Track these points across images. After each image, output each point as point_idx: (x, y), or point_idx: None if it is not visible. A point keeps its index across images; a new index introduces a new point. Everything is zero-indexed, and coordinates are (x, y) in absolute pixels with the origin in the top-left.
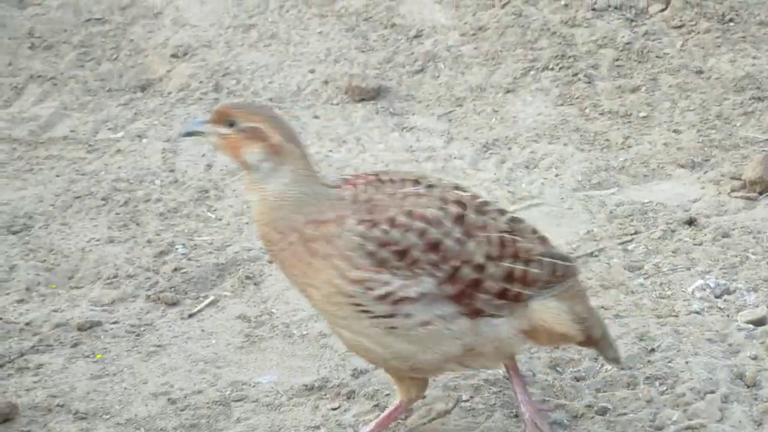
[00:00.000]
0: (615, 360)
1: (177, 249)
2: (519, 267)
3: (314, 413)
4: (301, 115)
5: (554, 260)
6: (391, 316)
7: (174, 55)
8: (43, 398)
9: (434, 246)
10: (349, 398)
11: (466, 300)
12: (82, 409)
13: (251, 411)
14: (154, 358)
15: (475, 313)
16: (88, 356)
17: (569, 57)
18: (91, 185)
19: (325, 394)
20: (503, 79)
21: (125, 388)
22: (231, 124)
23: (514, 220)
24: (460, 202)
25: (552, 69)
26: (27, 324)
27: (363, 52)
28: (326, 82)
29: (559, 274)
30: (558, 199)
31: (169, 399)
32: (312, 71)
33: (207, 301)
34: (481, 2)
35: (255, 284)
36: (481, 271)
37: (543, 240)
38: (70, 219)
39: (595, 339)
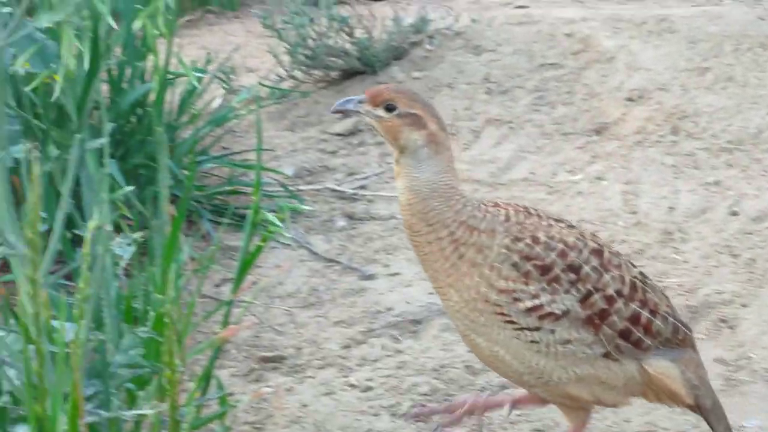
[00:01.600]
0: None
1: None
2: (645, 314)
3: None
4: (763, 158)
5: (677, 322)
6: (536, 329)
7: (629, 99)
8: None
9: (574, 268)
10: None
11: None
12: None
13: None
14: None
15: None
16: None
17: None
18: None
19: None
20: None
21: (609, 426)
22: (390, 109)
23: (644, 275)
24: (597, 242)
25: None
26: None
27: None
28: None
29: (680, 337)
30: None
31: None
32: None
33: None
34: None
35: (730, 328)
36: (610, 304)
37: (669, 300)
38: None
39: (705, 408)
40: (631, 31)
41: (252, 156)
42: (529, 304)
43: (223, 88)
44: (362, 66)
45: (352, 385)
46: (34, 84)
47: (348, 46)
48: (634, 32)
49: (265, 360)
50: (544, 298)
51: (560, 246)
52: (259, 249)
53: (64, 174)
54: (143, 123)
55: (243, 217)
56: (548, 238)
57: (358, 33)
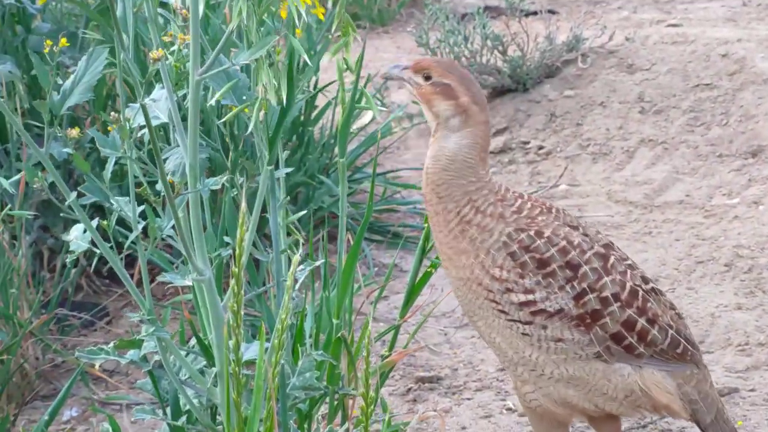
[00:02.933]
0: None
1: None
2: (641, 321)
3: None
4: None
5: (680, 337)
6: (528, 323)
7: None
8: None
9: (572, 266)
10: None
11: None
12: None
13: None
14: None
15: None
16: None
17: None
18: (712, 251)
19: None
20: None
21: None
22: (427, 78)
23: (656, 291)
24: (609, 249)
25: None
26: None
27: None
28: None
29: (679, 351)
30: None
31: None
32: None
33: None
34: None
35: None
36: (604, 305)
37: (678, 317)
38: (695, 284)
39: (704, 423)
40: None
41: (404, 174)
42: (522, 298)
43: (380, 105)
44: (513, 84)
45: (510, 409)
46: (228, 117)
47: (500, 63)
48: None
49: (423, 380)
50: (538, 295)
51: (563, 243)
52: (428, 275)
53: (250, 203)
54: (302, 141)
55: (396, 234)
56: (553, 235)
57: (511, 51)
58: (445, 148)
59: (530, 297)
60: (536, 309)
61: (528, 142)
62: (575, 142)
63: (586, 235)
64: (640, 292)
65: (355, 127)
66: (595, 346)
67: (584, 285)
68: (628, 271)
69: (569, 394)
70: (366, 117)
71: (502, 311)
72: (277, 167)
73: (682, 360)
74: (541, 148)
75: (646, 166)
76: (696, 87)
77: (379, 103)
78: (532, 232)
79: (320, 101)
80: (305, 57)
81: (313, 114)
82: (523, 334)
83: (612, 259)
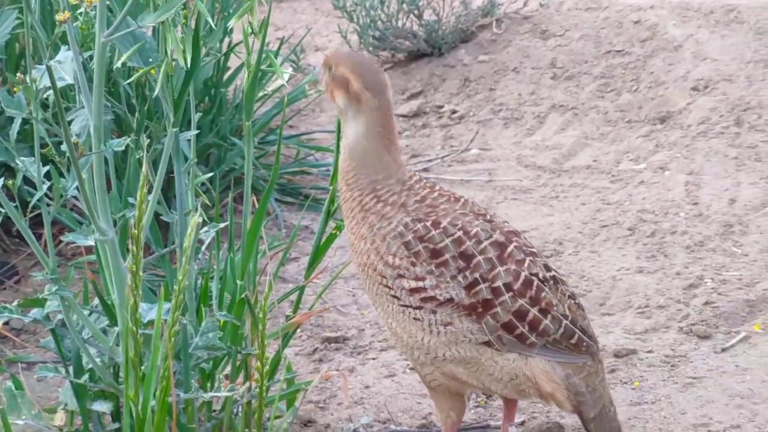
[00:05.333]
0: None
1: (706, 283)
2: (533, 311)
3: None
4: None
5: (575, 328)
6: (418, 308)
7: (694, 89)
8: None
9: (465, 256)
10: None
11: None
12: None
13: None
14: (690, 389)
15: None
16: (626, 383)
17: None
18: (617, 215)
19: None
20: None
21: (665, 417)
22: (330, 70)
23: (556, 280)
24: (509, 238)
25: None
26: None
27: None
28: None
29: (573, 342)
30: None
31: (709, 431)
32: None
33: (739, 337)
34: None
35: None
36: (496, 295)
37: (578, 308)
38: (598, 247)
39: (587, 417)
40: (698, 20)
41: (318, 136)
42: (412, 284)
43: (292, 67)
44: (429, 48)
45: (413, 369)
46: (133, 78)
47: (416, 27)
48: (702, 21)
49: (329, 341)
50: (428, 282)
51: (458, 234)
52: (333, 236)
53: (154, 164)
54: (215, 102)
55: (307, 196)
56: (450, 225)
57: (427, 15)
58: (346, 137)
59: (420, 284)
60: (426, 296)
61: (442, 107)
62: (488, 106)
63: (490, 222)
64: (535, 282)
65: (270, 88)
66: (486, 335)
67: (476, 275)
68: (527, 260)
69: (460, 372)
70: (281, 79)
71: (395, 296)
72: (189, 129)
73: (577, 351)
74: (454, 112)
75: (556, 131)
76: (608, 53)
77: (294, 65)
78: (428, 223)
79: (236, 63)
80: (209, 20)
81: (226, 76)
82: (414, 318)
83: (510, 248)
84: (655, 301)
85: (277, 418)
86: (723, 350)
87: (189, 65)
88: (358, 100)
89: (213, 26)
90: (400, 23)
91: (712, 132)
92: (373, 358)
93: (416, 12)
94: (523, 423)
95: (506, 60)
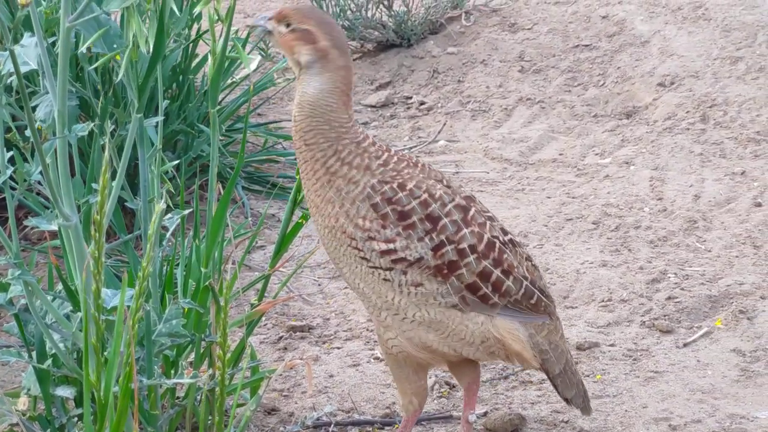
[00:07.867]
0: (582, 409)
1: (669, 278)
2: (496, 272)
3: None
4: None
5: (534, 289)
6: (389, 269)
7: (660, 84)
8: (547, 413)
9: (432, 218)
10: None
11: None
12: (586, 427)
13: None
14: (652, 383)
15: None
16: (588, 376)
17: None
18: (581, 209)
19: None
20: None
21: (626, 411)
22: (288, 25)
23: (513, 243)
24: (470, 201)
25: None
26: None
27: None
28: None
29: (533, 302)
30: None
31: (669, 425)
32: None
33: (701, 332)
34: None
35: (748, 319)
36: (461, 257)
37: (535, 269)
38: (563, 240)
39: (552, 374)
40: (666, 16)
41: (287, 124)
42: (383, 246)
43: (261, 55)
44: (398, 39)
45: (377, 358)
46: (98, 64)
47: (386, 18)
48: (669, 17)
49: (294, 329)
50: (399, 244)
51: (425, 196)
52: (299, 225)
53: (120, 150)
54: (182, 89)
55: (275, 185)
56: (415, 188)
57: (396, 6)
58: (306, 93)
59: (390, 246)
60: (396, 257)
61: (410, 97)
62: (456, 98)
63: (449, 187)
64: (497, 244)
65: (238, 76)
66: (452, 296)
67: (443, 237)
68: (488, 223)
69: (430, 338)
70: (251, 66)
71: (365, 258)
72: (157, 115)
73: (536, 310)
74: (422, 103)
75: (523, 124)
76: (575, 47)
77: (263, 54)
78: (395, 185)
79: (204, 50)
80: (173, 6)
81: (194, 63)
82: (384, 279)
83: (472, 211)
84: (618, 295)
85: (240, 405)
86: (685, 345)
87: (152, 51)
88: (326, 57)
89: (177, 12)
90: (369, 13)
91: (677, 128)
92: (338, 348)
93: (386, 2)
94: (485, 414)
95: (475, 52)
